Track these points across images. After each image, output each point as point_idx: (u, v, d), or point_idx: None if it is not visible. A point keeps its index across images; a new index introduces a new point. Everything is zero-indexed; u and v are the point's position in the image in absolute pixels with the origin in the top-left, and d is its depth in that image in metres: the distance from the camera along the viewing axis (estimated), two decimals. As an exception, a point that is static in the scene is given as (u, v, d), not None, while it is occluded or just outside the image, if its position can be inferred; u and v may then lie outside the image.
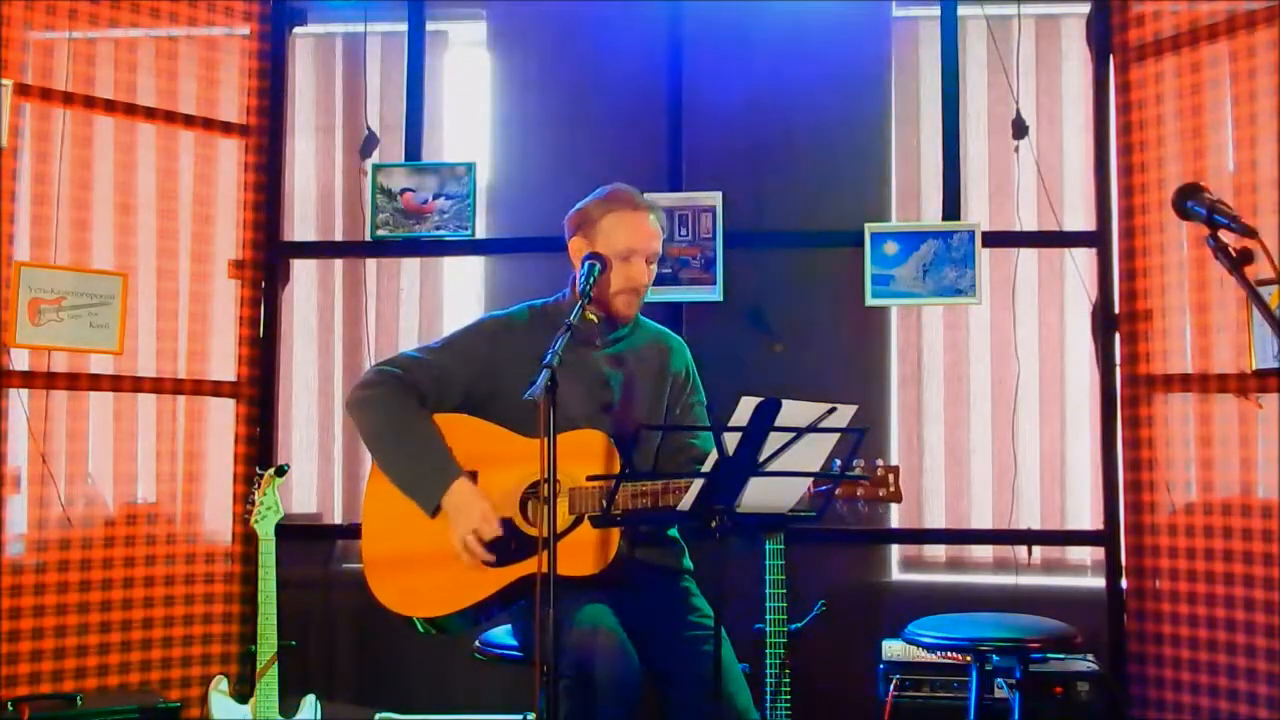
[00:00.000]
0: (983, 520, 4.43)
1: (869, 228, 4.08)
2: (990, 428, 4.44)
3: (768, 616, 3.68)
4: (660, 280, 2.96)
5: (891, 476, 2.55)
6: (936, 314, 4.50)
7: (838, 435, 2.36)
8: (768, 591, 3.68)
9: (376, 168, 4.33)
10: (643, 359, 2.95)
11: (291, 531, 3.92)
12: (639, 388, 2.91)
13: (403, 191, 4.27)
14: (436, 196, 4.26)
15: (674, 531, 2.93)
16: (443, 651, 4.03)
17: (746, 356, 4.20)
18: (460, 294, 4.75)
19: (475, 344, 2.90)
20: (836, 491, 2.55)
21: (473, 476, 2.76)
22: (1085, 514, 4.38)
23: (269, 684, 3.64)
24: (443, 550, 2.75)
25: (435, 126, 4.61)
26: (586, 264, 2.75)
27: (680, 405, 2.99)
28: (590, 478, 2.65)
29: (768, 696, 3.64)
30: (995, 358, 4.44)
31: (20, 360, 3.90)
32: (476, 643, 3.09)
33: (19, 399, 3.88)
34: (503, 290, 4.45)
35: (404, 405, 2.80)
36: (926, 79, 4.50)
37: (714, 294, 4.13)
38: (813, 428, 2.33)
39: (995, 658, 3.36)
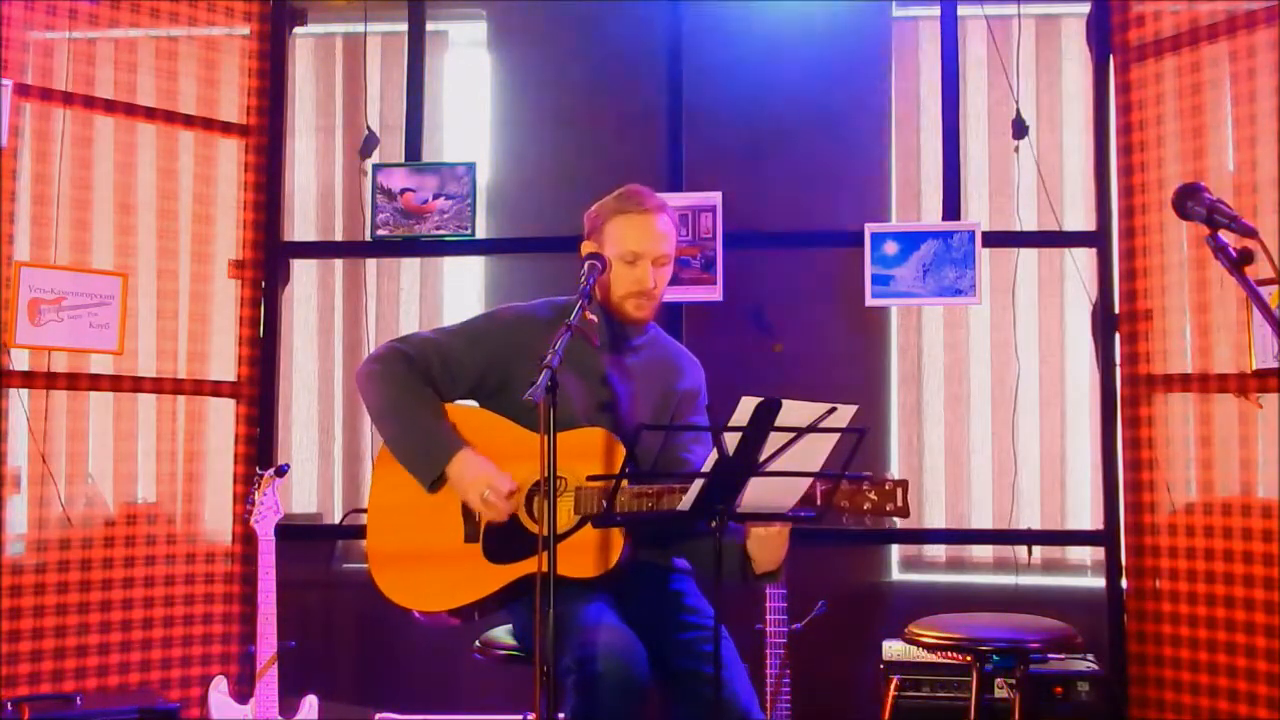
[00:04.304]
0: (983, 520, 4.43)
1: (869, 228, 4.08)
2: (990, 428, 4.45)
3: (768, 616, 3.69)
4: (662, 280, 2.93)
5: (900, 491, 2.52)
6: (936, 314, 4.51)
7: (838, 435, 2.36)
8: (768, 591, 3.68)
9: (376, 168, 4.33)
10: (650, 373, 2.94)
11: (291, 531, 3.91)
12: (642, 399, 2.90)
13: (403, 191, 4.27)
14: (436, 196, 4.26)
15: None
16: (443, 651, 4.04)
17: (746, 356, 4.20)
18: (460, 294, 4.76)
19: (491, 333, 2.90)
20: (844, 504, 2.53)
21: None
22: (1085, 514, 4.39)
23: (269, 684, 3.64)
24: (447, 546, 2.76)
25: (435, 126, 4.62)
26: (586, 264, 2.75)
27: (682, 420, 2.97)
28: (591, 478, 2.65)
29: (768, 696, 3.64)
30: (995, 358, 4.45)
31: (20, 360, 3.90)
32: (477, 642, 3.09)
33: (19, 399, 3.88)
34: (503, 290, 4.45)
35: (411, 381, 2.80)
36: (926, 79, 4.51)
37: (714, 294, 4.13)
38: (813, 428, 2.33)
39: (995, 658, 3.36)
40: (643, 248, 2.82)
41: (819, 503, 2.52)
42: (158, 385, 4.12)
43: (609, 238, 2.83)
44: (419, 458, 2.77)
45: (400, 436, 2.81)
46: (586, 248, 2.88)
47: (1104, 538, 4.02)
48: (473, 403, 2.92)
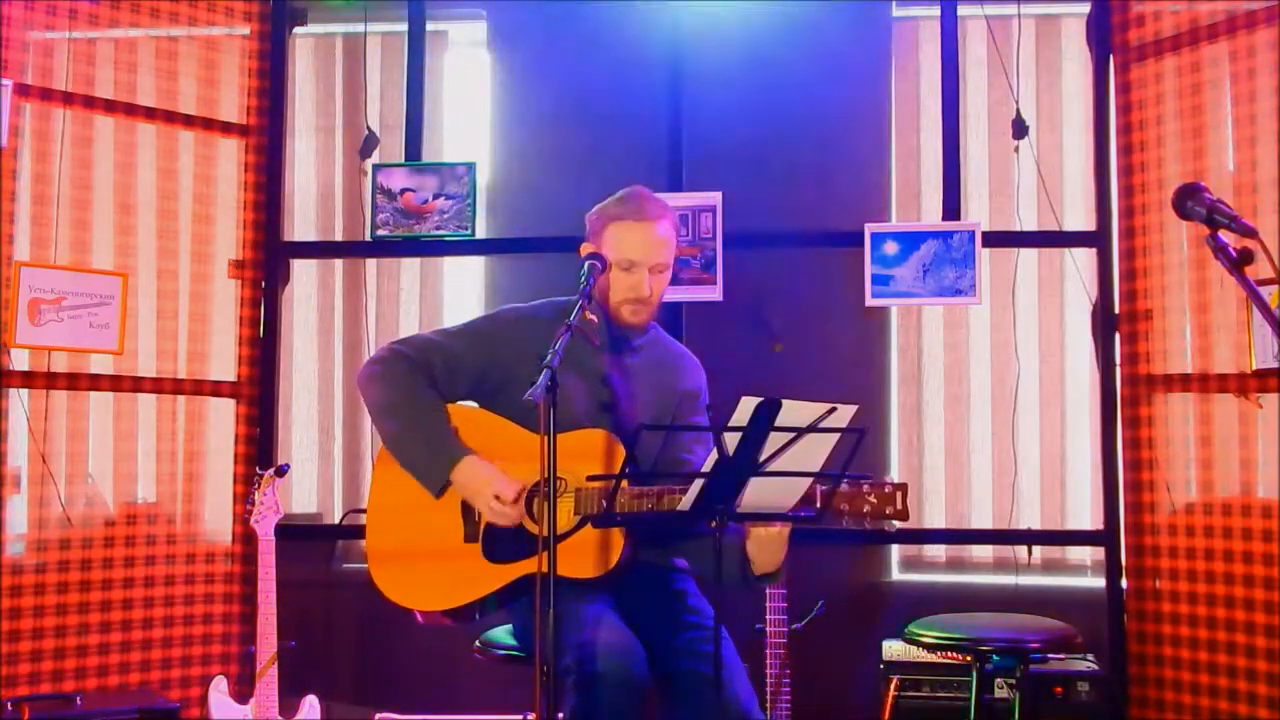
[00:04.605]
0: (983, 520, 4.43)
1: (869, 228, 4.08)
2: (990, 428, 4.45)
3: (768, 616, 3.68)
4: (661, 282, 2.92)
5: (899, 495, 2.52)
6: (936, 314, 4.51)
7: (837, 435, 2.36)
8: (768, 591, 3.68)
9: (376, 168, 4.33)
10: (650, 373, 2.93)
11: (291, 531, 3.92)
12: (642, 399, 2.90)
13: (403, 191, 4.27)
14: (436, 196, 4.26)
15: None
16: (443, 651, 4.04)
17: (746, 356, 4.20)
18: (460, 294, 4.76)
19: (491, 333, 2.90)
20: (843, 507, 2.53)
21: None
22: (1085, 514, 4.38)
23: (269, 684, 3.64)
24: (446, 545, 2.76)
25: (435, 126, 4.62)
26: (586, 264, 2.75)
27: (683, 421, 2.97)
28: (590, 478, 2.65)
29: (768, 696, 3.64)
30: (995, 358, 4.45)
31: (20, 360, 3.90)
32: (476, 642, 3.09)
33: (19, 399, 3.88)
34: (503, 290, 4.45)
35: (413, 383, 2.80)
36: (926, 79, 4.51)
37: (714, 294, 4.12)
38: (813, 428, 2.32)
39: (995, 658, 3.36)
40: (639, 256, 2.81)
41: (819, 503, 2.51)
42: (158, 385, 4.12)
43: (607, 242, 2.83)
44: (423, 466, 2.77)
45: (403, 442, 2.80)
46: (586, 249, 2.88)
47: (1104, 538, 4.02)
48: (473, 404, 2.92)
